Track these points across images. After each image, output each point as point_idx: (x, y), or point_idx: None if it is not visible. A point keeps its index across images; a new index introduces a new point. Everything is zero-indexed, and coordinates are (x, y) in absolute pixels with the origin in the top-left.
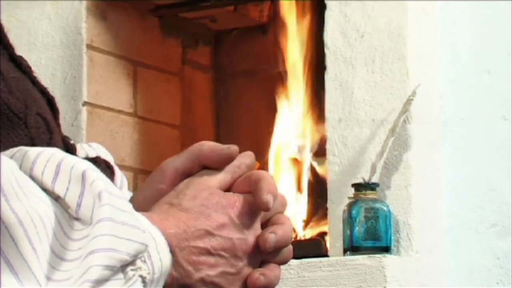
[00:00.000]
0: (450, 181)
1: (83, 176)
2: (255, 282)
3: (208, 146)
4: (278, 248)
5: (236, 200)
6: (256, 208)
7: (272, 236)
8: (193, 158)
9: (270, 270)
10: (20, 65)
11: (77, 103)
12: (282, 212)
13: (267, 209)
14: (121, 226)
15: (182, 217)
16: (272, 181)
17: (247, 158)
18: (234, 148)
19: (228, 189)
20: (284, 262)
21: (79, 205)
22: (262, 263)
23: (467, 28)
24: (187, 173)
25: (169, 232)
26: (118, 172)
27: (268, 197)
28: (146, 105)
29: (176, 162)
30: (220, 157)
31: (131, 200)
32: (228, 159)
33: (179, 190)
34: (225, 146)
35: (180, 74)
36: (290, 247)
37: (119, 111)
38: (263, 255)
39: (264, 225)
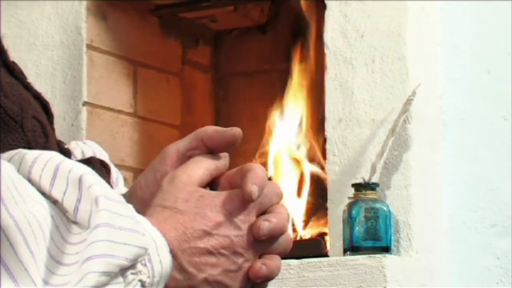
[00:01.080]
0: (450, 181)
1: (80, 180)
2: (258, 272)
3: (212, 128)
4: (273, 236)
5: (228, 197)
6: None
7: (265, 224)
8: (197, 139)
9: (271, 260)
10: (13, 71)
11: (77, 103)
12: (277, 203)
13: (251, 199)
14: (118, 231)
15: (179, 219)
16: (260, 172)
17: (223, 156)
18: (236, 130)
19: (218, 186)
20: (283, 251)
21: (76, 209)
22: (261, 256)
23: (467, 28)
24: (189, 155)
25: (169, 236)
26: (113, 169)
27: (252, 188)
28: (146, 105)
29: (179, 144)
30: (223, 138)
31: (132, 189)
32: (231, 140)
33: (167, 191)
34: (228, 128)
35: (180, 74)
36: (288, 236)
37: (119, 111)
38: (261, 247)
39: None
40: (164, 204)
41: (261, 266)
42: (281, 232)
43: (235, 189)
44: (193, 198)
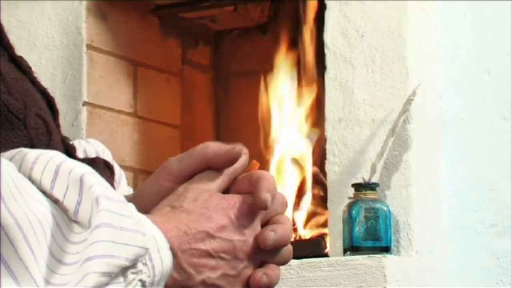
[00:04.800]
0: (450, 181)
1: (81, 180)
2: (259, 281)
3: (212, 148)
4: (277, 247)
5: (236, 202)
6: (256, 208)
7: (272, 234)
8: (199, 162)
9: (271, 270)
10: (20, 65)
11: (77, 103)
12: (282, 213)
13: (265, 207)
14: (119, 231)
15: (183, 219)
16: (272, 180)
17: (242, 156)
18: (238, 148)
19: (226, 190)
20: (284, 262)
21: (77, 209)
22: (262, 264)
23: (467, 28)
24: (193, 176)
25: (170, 235)
26: (116, 168)
27: (267, 196)
28: (146, 105)
29: (182, 164)
30: (225, 160)
31: (135, 192)
32: (234, 160)
33: (179, 193)
34: (229, 147)
35: (180, 74)
36: (290, 248)
37: (119, 111)
38: (263, 255)
39: (264, 226)
40: (172, 204)
41: (262, 275)
42: (285, 243)
43: (243, 195)
44: (202, 197)
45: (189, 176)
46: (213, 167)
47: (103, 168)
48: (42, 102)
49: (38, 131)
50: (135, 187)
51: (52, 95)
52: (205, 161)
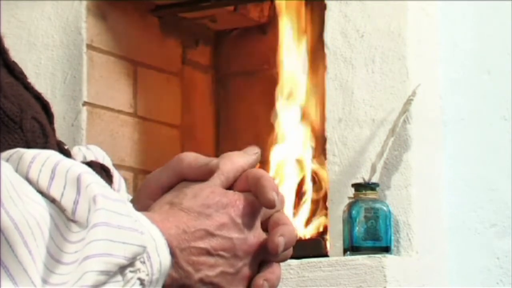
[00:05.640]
0: (450, 181)
1: (78, 179)
2: None
3: (187, 161)
4: (285, 250)
5: (237, 199)
6: (258, 206)
7: (282, 240)
8: (175, 175)
9: (272, 273)
10: (13, 71)
11: (77, 103)
12: (281, 210)
13: (273, 206)
14: (116, 230)
15: (182, 217)
16: (271, 178)
17: (252, 155)
18: (213, 163)
19: (229, 187)
20: (284, 260)
21: (74, 208)
22: (261, 262)
23: (467, 28)
24: (171, 189)
25: (169, 233)
26: (116, 175)
27: (273, 195)
28: (146, 105)
29: (159, 179)
30: (198, 175)
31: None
32: (207, 176)
33: (179, 189)
34: (204, 162)
35: (180, 74)
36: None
37: (119, 111)
38: (262, 254)
39: (264, 224)
40: (172, 201)
41: (263, 283)
42: (292, 244)
43: (244, 193)
44: (203, 194)
45: (167, 191)
46: (188, 179)
47: (99, 171)
48: (37, 106)
49: (34, 134)
50: (135, 187)
51: (47, 98)
52: (180, 174)
